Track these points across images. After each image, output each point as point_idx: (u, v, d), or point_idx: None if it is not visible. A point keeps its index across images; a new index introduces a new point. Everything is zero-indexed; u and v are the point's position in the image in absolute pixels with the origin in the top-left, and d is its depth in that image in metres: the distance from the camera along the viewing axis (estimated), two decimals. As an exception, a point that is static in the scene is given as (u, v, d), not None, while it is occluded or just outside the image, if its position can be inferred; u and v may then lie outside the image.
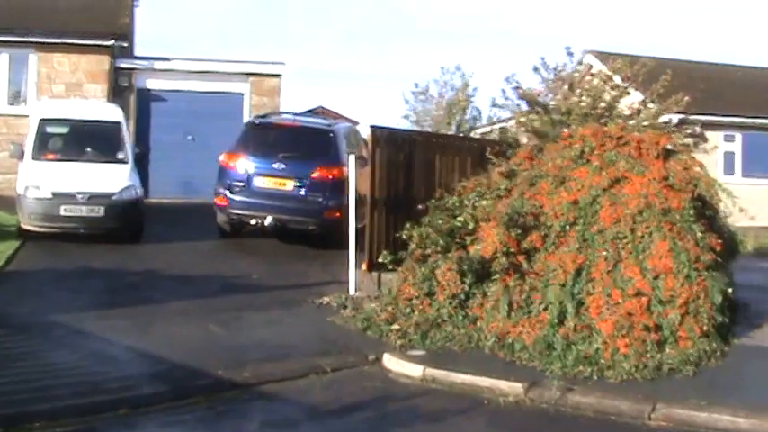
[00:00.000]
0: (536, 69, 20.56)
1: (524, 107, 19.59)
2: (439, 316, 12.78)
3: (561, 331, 12.00)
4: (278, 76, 26.59)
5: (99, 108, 21.01)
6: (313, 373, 10.98)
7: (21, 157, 18.61)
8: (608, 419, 9.98)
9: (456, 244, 13.49)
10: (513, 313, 12.49)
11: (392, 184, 15.56)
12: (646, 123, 18.12)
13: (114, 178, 18.11)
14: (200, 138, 25.42)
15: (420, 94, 32.81)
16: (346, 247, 15.43)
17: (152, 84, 25.94)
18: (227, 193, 18.30)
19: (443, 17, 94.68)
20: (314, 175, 18.09)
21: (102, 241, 17.46)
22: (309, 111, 29.62)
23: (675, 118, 20.91)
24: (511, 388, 10.55)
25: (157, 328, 12.29)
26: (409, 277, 13.41)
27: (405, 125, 32.09)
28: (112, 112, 20.04)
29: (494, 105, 21.94)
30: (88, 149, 19.04)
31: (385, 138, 15.62)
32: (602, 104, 18.64)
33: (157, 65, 26.16)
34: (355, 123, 25.23)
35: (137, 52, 28.62)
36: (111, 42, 24.83)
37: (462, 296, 12.87)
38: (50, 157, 18.63)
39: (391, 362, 11.57)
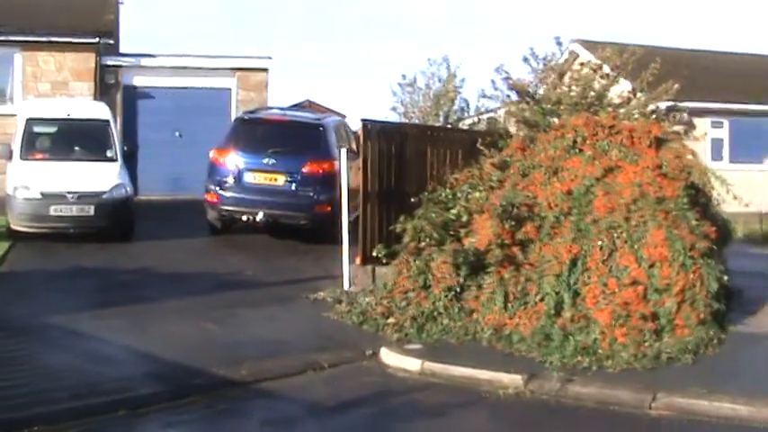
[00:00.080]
0: (525, 59, 20.54)
1: (514, 97, 19.56)
2: (435, 309, 12.73)
3: (558, 322, 12.00)
4: (265, 70, 26.46)
5: (87, 106, 20.90)
6: (311, 369, 10.92)
7: (9, 157, 18.50)
8: (609, 410, 9.94)
9: (450, 236, 13.44)
10: (509, 305, 12.47)
11: (384, 177, 15.50)
12: (636, 113, 18.10)
13: (104, 177, 18.02)
14: (188, 134, 25.32)
15: (407, 86, 32.64)
16: (338, 242, 15.39)
17: (138, 81, 25.79)
18: (218, 189, 18.22)
19: (428, 8, 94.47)
20: (304, 170, 18.02)
21: (93, 240, 17.38)
22: (296, 105, 29.48)
23: (663, 105, 20.87)
24: (510, 380, 10.51)
25: (153, 326, 12.21)
26: (404, 270, 13.34)
27: (392, 117, 31.95)
28: (100, 111, 19.92)
29: (483, 96, 21.91)
30: (77, 148, 18.97)
31: (376, 131, 15.55)
32: (592, 93, 18.62)
33: (143, 61, 25.99)
34: (342, 116, 25.18)
35: (122, 49, 28.43)
36: (97, 40, 24.66)
37: (458, 289, 12.81)
38: (39, 156, 18.54)
39: (389, 356, 11.52)
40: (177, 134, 25.51)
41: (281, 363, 11.01)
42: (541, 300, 12.34)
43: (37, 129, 19.13)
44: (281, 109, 22.52)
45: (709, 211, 13.71)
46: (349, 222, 15.20)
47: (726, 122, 30.88)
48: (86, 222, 17.47)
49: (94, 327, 11.94)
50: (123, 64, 25.80)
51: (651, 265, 12.18)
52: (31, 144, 18.76)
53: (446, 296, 12.77)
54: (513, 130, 19.65)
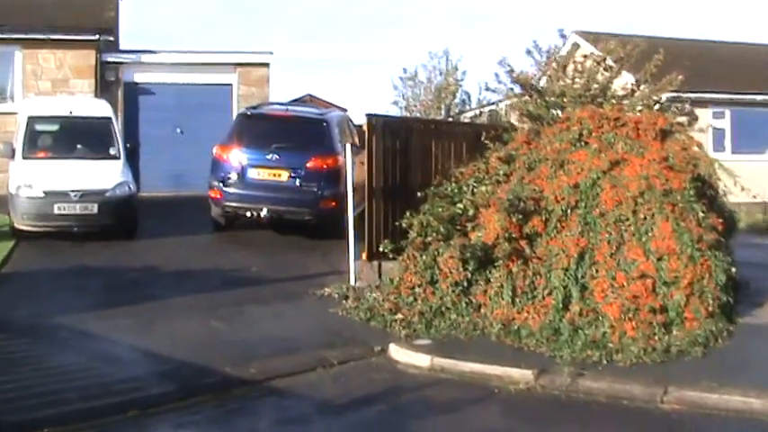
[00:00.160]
0: (529, 52, 20.48)
1: (517, 90, 19.48)
2: (442, 304, 12.74)
3: (567, 316, 12.02)
4: (266, 65, 26.30)
5: (88, 104, 20.80)
6: (320, 366, 10.90)
7: (11, 155, 18.38)
8: (621, 404, 9.94)
9: (457, 231, 13.42)
10: (516, 299, 12.49)
11: (389, 171, 15.44)
12: (640, 105, 18.02)
13: (107, 175, 17.93)
14: (189, 130, 25.20)
15: (409, 80, 32.75)
16: (343, 237, 15.36)
17: (139, 77, 25.67)
18: (221, 185, 18.12)
19: (429, 1, 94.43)
20: (308, 165, 17.92)
21: (97, 239, 17.28)
22: (297, 99, 29.48)
23: (664, 96, 20.82)
24: (521, 375, 10.51)
25: (160, 325, 12.18)
26: (411, 266, 13.33)
27: (394, 111, 32.04)
28: (102, 108, 19.84)
29: (486, 89, 21.82)
30: (79, 146, 18.86)
31: (381, 125, 15.50)
32: (596, 86, 18.54)
33: (144, 58, 25.88)
34: (344, 111, 25.12)
35: (122, 46, 28.35)
36: (97, 37, 24.52)
37: (465, 283, 12.84)
38: (41, 155, 18.44)
39: (398, 352, 11.50)
40: (178, 130, 25.42)
41: (290, 360, 11.00)
42: (549, 294, 12.36)
43: (39, 127, 19.00)
44: (284, 104, 22.46)
45: (716, 202, 13.68)
46: (354, 217, 15.14)
47: (727, 112, 30.75)
48: (90, 221, 17.38)
49: (102, 326, 11.90)
50: (124, 61, 25.67)
51: (659, 258, 12.18)
52: (34, 142, 18.66)
53: (453, 291, 12.77)
54: (515, 122, 19.61)
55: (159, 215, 20.28)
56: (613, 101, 18.03)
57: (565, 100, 17.98)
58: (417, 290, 13.02)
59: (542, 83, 19.79)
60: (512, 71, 18.89)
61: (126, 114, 24.82)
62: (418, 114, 31.02)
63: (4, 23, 24.16)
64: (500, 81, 19.83)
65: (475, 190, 14.05)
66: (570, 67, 19.11)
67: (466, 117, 31.42)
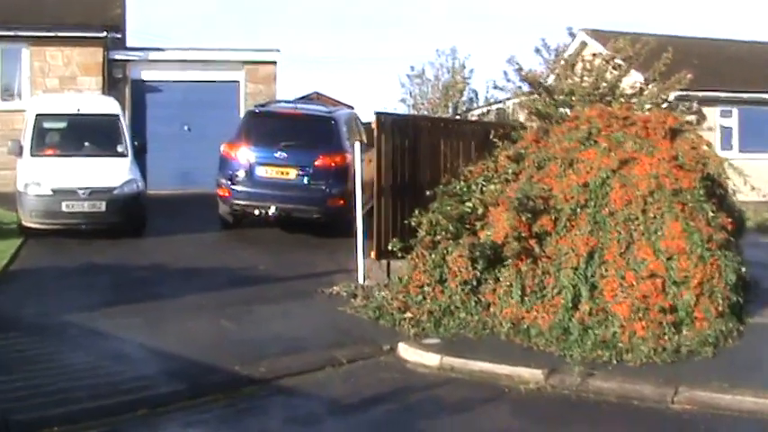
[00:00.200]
0: (537, 50, 20.49)
1: (526, 88, 19.48)
2: (451, 303, 12.72)
3: (576, 315, 11.97)
4: (273, 63, 26.32)
5: (96, 101, 20.84)
6: (329, 365, 10.89)
7: (19, 153, 18.40)
8: (631, 404, 9.91)
9: (466, 230, 13.39)
10: (526, 298, 12.45)
11: (398, 170, 15.40)
12: (648, 104, 18.01)
13: (115, 172, 17.94)
14: (197, 128, 25.20)
15: (416, 78, 32.76)
16: (351, 235, 15.34)
17: (146, 75, 25.67)
18: (229, 183, 18.11)
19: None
20: (317, 163, 17.92)
21: (105, 236, 17.30)
22: (304, 97, 29.36)
23: (672, 95, 20.81)
24: (531, 375, 10.48)
25: (169, 324, 12.16)
26: (420, 264, 13.31)
27: (401, 109, 32.03)
28: (110, 105, 19.85)
29: (495, 87, 21.83)
30: (87, 144, 18.88)
31: (390, 124, 15.47)
32: (604, 84, 18.53)
33: (152, 55, 25.88)
34: (351, 108, 25.08)
35: (129, 43, 28.33)
36: (105, 34, 24.56)
37: (474, 282, 12.81)
38: (49, 152, 18.45)
39: (407, 351, 11.47)
40: (186, 128, 25.42)
41: (299, 359, 10.98)
42: (559, 293, 12.30)
43: (47, 124, 19.01)
44: (290, 102, 22.44)
45: (725, 202, 13.64)
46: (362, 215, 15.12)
47: (735, 111, 30.70)
48: (98, 218, 17.38)
49: (110, 324, 11.89)
50: (131, 58, 25.68)
51: (669, 258, 12.12)
52: (42, 140, 18.67)
53: (462, 290, 12.75)
54: (522, 119, 19.62)
55: (167, 213, 20.26)
56: (622, 99, 18.01)
57: (573, 98, 17.98)
58: (426, 288, 13.00)
59: (550, 81, 19.78)
60: (520, 69, 18.90)
61: (133, 112, 24.83)
62: (426, 112, 31.01)
63: (11, 21, 24.15)
64: (509, 79, 19.86)
65: (484, 188, 14.01)
66: (579, 66, 19.09)
67: (473, 115, 31.40)
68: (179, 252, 16.86)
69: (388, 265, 14.68)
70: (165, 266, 15.59)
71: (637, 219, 12.48)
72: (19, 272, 15.01)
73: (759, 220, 23.22)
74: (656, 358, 11.04)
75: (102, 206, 17.32)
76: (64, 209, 17.14)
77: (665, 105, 19.12)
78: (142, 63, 25.72)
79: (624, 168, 13.03)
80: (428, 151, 15.96)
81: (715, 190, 13.34)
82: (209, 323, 12.35)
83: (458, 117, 29.88)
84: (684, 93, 20.99)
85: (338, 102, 29.11)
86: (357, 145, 15.33)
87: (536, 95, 18.76)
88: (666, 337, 11.48)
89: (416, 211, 13.80)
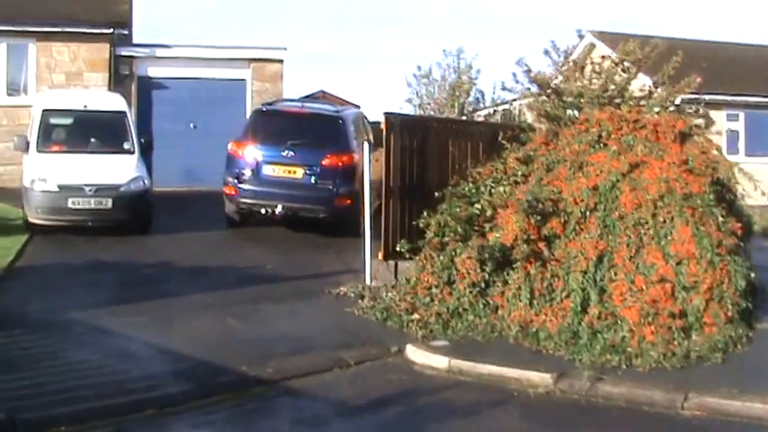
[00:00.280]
0: (546, 52, 20.43)
1: (534, 90, 19.44)
2: (459, 305, 12.64)
3: (585, 319, 11.92)
4: (280, 61, 26.29)
5: (103, 98, 20.78)
6: (337, 366, 10.83)
7: (25, 149, 18.34)
8: (641, 410, 9.85)
9: (474, 232, 13.34)
10: (534, 301, 12.40)
11: (406, 170, 15.36)
12: (657, 107, 17.98)
13: (121, 169, 17.89)
14: (203, 125, 25.19)
15: (422, 78, 32.67)
16: (357, 235, 15.29)
17: (153, 72, 25.64)
18: (236, 182, 18.05)
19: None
20: (324, 163, 17.85)
21: (111, 233, 17.26)
22: (310, 95, 29.30)
23: (679, 98, 20.78)
24: (541, 379, 10.42)
25: (176, 323, 12.11)
26: (428, 266, 13.25)
27: (407, 109, 31.95)
28: (117, 102, 19.80)
29: (503, 89, 21.76)
30: (93, 140, 18.86)
31: (399, 124, 15.43)
32: (612, 87, 18.49)
33: (158, 52, 25.86)
34: (357, 107, 25.04)
35: (135, 39, 28.28)
36: (111, 30, 24.52)
37: (482, 284, 12.73)
38: (55, 148, 18.40)
39: (415, 353, 11.41)
40: (192, 125, 25.39)
41: (306, 360, 10.93)
42: (567, 296, 12.26)
43: (53, 120, 18.96)
44: (295, 101, 22.37)
45: (734, 206, 13.59)
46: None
47: (741, 115, 30.69)
48: (104, 215, 17.33)
49: (117, 323, 11.83)
50: (138, 54, 25.62)
51: (678, 263, 12.08)
52: (48, 136, 18.62)
53: (471, 292, 12.68)
54: (529, 120, 19.57)
55: (173, 211, 20.20)
56: (631, 102, 17.96)
57: (582, 101, 17.92)
58: (434, 290, 12.94)
59: (556, 82, 19.75)
60: (529, 71, 18.85)
61: (139, 108, 24.76)
62: (432, 112, 30.93)
63: (18, 16, 24.11)
64: (517, 81, 19.82)
65: (492, 190, 13.96)
66: (588, 68, 19.05)
67: (479, 115, 31.36)
68: (185, 250, 16.81)
69: (396, 266, 14.61)
70: (171, 264, 15.53)
71: (646, 223, 12.43)
72: (25, 268, 14.94)
73: (765, 224, 23.14)
74: (665, 363, 10.97)
75: (109, 203, 17.26)
76: (70, 205, 17.10)
77: (672, 109, 19.10)
78: (149, 60, 25.68)
79: (634, 172, 12.99)
80: (436, 152, 15.91)
81: (724, 194, 13.28)
82: (216, 322, 12.30)
83: (464, 117, 29.80)
84: (698, 96, 20.95)
85: (344, 101, 29.08)
86: (366, 145, 15.27)
87: (544, 97, 18.71)
88: (676, 343, 11.42)
89: (425, 213, 13.74)
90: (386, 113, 15.35)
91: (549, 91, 18.63)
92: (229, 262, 16.00)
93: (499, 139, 15.67)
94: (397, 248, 14.07)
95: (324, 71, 79.55)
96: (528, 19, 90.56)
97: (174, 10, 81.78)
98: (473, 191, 14.08)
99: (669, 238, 12.25)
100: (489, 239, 13.00)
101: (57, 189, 17.12)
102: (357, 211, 16.48)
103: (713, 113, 28.10)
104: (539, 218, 12.74)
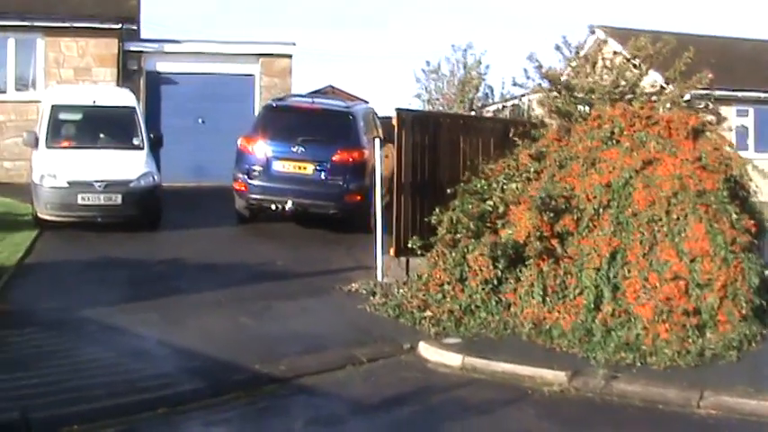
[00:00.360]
0: (558, 47, 20.32)
1: (546, 85, 19.36)
2: (472, 302, 12.60)
3: (599, 317, 11.87)
4: (289, 56, 26.21)
5: (112, 93, 20.72)
6: (350, 364, 10.78)
7: (34, 144, 18.27)
8: (656, 408, 9.78)
9: (487, 228, 13.27)
10: (547, 299, 12.35)
11: (418, 167, 15.28)
12: (669, 104, 17.90)
13: (131, 165, 17.82)
14: (211, 120, 25.13)
15: (431, 73, 32.64)
16: (368, 231, 15.23)
17: (161, 67, 25.57)
18: (246, 177, 17.99)
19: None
20: (334, 158, 17.77)
21: (121, 229, 17.19)
22: (319, 90, 29.32)
23: (688, 94, 20.72)
24: (555, 377, 10.36)
25: (188, 320, 12.05)
26: (440, 262, 13.21)
27: (416, 104, 31.96)
28: (126, 97, 19.71)
29: (514, 84, 21.68)
30: (102, 136, 18.79)
31: (410, 120, 15.35)
32: (623, 83, 18.42)
33: (167, 47, 25.77)
34: (366, 103, 24.99)
35: (143, 34, 28.23)
36: (120, 25, 24.46)
37: (495, 281, 12.68)
38: (65, 144, 18.32)
39: (428, 351, 11.36)
40: (200, 120, 25.34)
41: (319, 358, 10.88)
42: (580, 293, 12.22)
43: (62, 116, 18.86)
44: (305, 96, 22.32)
45: (747, 203, 13.51)
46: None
47: (751, 110, 30.54)
48: (114, 211, 17.26)
49: (128, 320, 11.77)
50: (146, 50, 25.55)
51: (692, 260, 12.01)
52: (57, 131, 18.54)
53: (483, 289, 12.63)
54: (540, 116, 19.50)
55: (182, 206, 20.16)
56: (643, 98, 17.87)
57: (593, 96, 17.84)
58: (446, 287, 12.89)
59: (569, 77, 19.68)
60: (540, 66, 18.77)
61: (148, 104, 24.65)
62: (441, 108, 30.90)
63: (26, 11, 24.05)
64: (528, 76, 19.74)
65: (505, 187, 13.89)
66: (599, 64, 18.97)
67: (489, 111, 31.33)
68: (195, 246, 16.76)
69: (407, 262, 14.56)
70: (182, 261, 15.46)
71: (660, 220, 12.36)
72: (35, 265, 14.87)
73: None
74: (680, 361, 10.91)
75: (119, 199, 17.20)
76: (80, 201, 17.03)
77: (683, 105, 19.03)
78: (157, 55, 25.62)
79: (647, 168, 12.93)
80: (448, 148, 15.82)
81: (737, 191, 13.21)
82: (228, 319, 12.25)
83: (473, 113, 29.77)
84: (710, 92, 20.86)
85: (353, 96, 29.05)
86: (377, 141, 15.20)
87: (556, 93, 18.63)
88: (690, 340, 11.35)
89: (437, 209, 13.68)
90: (397, 109, 15.29)
91: (560, 86, 18.54)
92: (240, 258, 15.92)
93: (510, 135, 15.61)
94: (409, 245, 14.03)
95: (332, 66, 79.50)
96: (536, 15, 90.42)
97: (181, 4, 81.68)
98: (485, 187, 14.00)
99: (683, 235, 12.18)
100: (502, 236, 12.93)
101: (66, 185, 17.05)
102: (367, 207, 16.43)
103: (723, 109, 27.93)
104: (551, 215, 12.69)
